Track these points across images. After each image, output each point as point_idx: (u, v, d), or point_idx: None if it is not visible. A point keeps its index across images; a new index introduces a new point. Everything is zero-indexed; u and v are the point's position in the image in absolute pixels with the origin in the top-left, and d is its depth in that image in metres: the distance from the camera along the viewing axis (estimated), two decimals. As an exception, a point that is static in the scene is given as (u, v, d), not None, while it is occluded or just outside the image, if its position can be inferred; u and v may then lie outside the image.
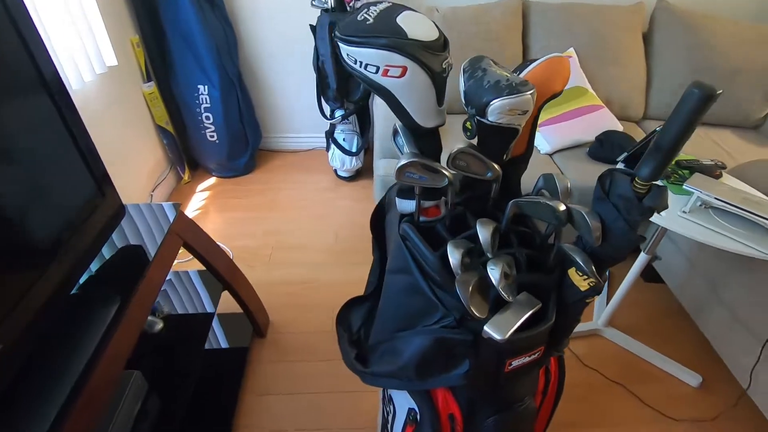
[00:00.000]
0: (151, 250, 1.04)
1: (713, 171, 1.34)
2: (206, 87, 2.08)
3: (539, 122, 1.82)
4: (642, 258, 1.42)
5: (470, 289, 0.54)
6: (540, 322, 0.66)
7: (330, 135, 2.25)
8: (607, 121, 1.89)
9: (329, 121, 2.23)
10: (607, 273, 0.66)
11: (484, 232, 0.57)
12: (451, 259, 0.58)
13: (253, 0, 2.13)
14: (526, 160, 0.73)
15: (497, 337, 0.52)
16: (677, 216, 1.18)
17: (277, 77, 2.38)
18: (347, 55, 0.56)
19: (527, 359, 0.68)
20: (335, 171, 2.41)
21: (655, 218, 1.17)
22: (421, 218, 0.72)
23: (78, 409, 0.71)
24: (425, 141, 0.64)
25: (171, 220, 1.13)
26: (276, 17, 2.18)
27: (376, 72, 0.55)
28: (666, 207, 0.54)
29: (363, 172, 2.42)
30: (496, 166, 0.68)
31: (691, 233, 1.13)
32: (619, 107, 2.03)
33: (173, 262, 1.15)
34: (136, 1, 1.92)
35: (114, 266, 1.01)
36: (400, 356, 0.67)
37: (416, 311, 0.68)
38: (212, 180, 2.38)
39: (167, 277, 1.45)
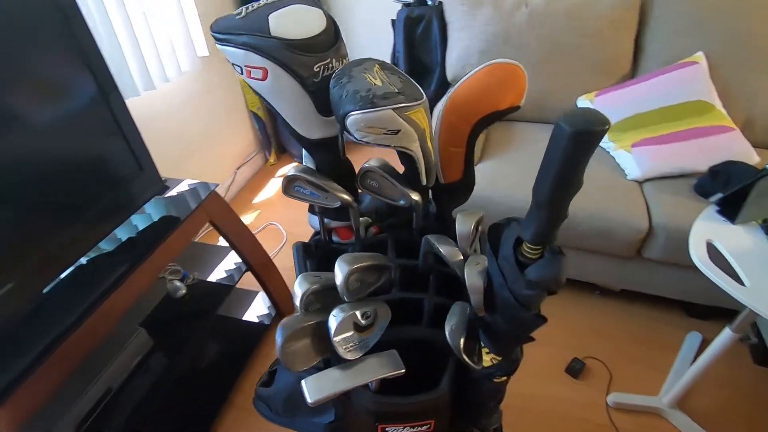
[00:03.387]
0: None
1: None
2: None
3: (635, 141, 1.50)
4: (726, 335, 1.06)
5: (290, 333, 0.45)
6: (431, 390, 0.54)
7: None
8: (734, 147, 1.45)
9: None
10: (519, 351, 0.50)
11: (341, 270, 0.48)
12: (295, 293, 0.50)
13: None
14: (464, 188, 0.59)
15: (307, 398, 0.44)
16: (769, 290, 0.85)
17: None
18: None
19: (411, 430, 0.56)
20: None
21: (733, 289, 0.86)
22: (335, 238, 0.64)
23: (65, 348, 0.84)
24: (318, 155, 0.56)
25: (203, 198, 1.24)
26: (366, 6, 2.19)
27: (242, 73, 0.49)
28: (560, 284, 0.38)
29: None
30: (412, 193, 0.56)
31: (781, 318, 0.80)
32: (764, 130, 1.54)
33: (194, 235, 1.26)
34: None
35: (145, 230, 1.15)
36: (276, 383, 0.62)
37: (303, 340, 0.62)
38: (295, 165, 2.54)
39: (229, 250, 1.58)
